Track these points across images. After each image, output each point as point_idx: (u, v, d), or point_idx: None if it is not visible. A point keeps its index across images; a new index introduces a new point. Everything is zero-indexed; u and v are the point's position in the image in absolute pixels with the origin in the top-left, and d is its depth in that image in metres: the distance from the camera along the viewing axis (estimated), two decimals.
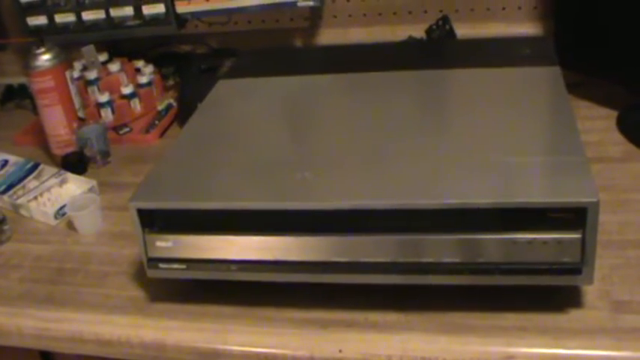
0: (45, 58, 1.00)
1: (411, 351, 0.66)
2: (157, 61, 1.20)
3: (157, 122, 1.12)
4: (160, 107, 1.15)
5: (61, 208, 0.94)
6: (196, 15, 1.08)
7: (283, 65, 0.98)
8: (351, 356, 0.67)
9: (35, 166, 1.03)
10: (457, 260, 0.67)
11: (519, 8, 1.10)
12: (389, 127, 0.78)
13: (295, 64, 0.98)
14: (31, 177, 1.01)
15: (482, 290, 0.69)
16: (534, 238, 0.64)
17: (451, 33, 1.07)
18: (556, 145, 0.71)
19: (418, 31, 1.13)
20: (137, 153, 1.08)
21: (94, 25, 1.13)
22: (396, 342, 0.67)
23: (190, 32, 1.22)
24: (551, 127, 0.74)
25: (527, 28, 1.11)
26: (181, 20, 1.12)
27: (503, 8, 1.10)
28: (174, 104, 1.15)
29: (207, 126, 0.84)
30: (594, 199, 0.61)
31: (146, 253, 0.73)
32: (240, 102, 0.89)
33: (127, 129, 1.10)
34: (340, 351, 0.68)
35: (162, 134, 1.11)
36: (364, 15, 1.17)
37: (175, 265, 0.72)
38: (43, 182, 0.99)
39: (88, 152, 1.04)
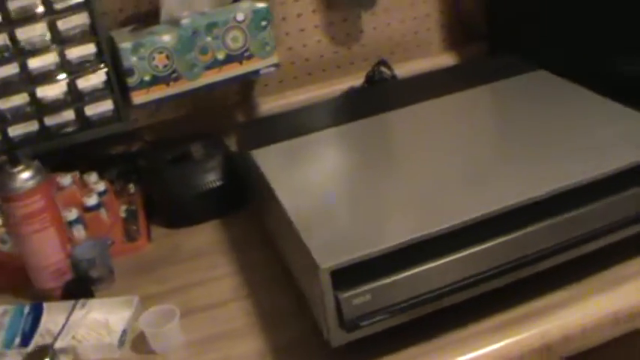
0: (26, 177, 0.87)
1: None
2: (87, 169, 1.10)
3: (134, 227, 1.03)
4: (123, 214, 1.06)
5: (123, 334, 0.82)
6: (157, 102, 1.04)
7: (294, 127, 1.00)
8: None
9: (37, 307, 0.88)
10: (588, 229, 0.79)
11: (430, 44, 1.28)
12: (462, 150, 0.88)
13: (305, 123, 1.01)
14: (42, 320, 0.86)
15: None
16: None
17: (393, 75, 1.20)
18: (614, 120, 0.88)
19: (349, 82, 1.24)
20: (135, 263, 0.99)
21: (25, 139, 1.01)
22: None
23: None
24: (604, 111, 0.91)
25: (445, 59, 1.30)
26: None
27: (418, 45, 1.27)
28: (135, 207, 1.07)
29: (298, 186, 0.85)
30: None
31: (341, 316, 0.71)
32: (295, 161, 0.91)
33: (109, 241, 1.00)
34: None
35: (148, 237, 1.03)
36: (295, 78, 1.24)
37: (378, 317, 0.72)
38: (68, 319, 0.86)
39: (94, 274, 0.92)
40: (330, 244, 0.73)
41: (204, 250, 1.00)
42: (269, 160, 0.92)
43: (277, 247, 0.92)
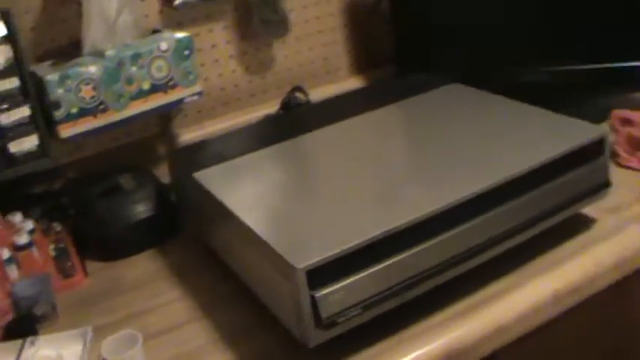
0: None
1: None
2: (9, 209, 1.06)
3: (68, 264, 1.00)
4: (53, 253, 1.03)
5: None
6: (85, 135, 1.03)
7: (224, 151, 1.02)
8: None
9: None
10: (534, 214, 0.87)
11: (338, 70, 1.35)
12: (393, 164, 0.94)
13: (234, 147, 1.03)
14: None
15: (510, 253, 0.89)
16: (578, 173, 0.89)
17: (308, 100, 1.25)
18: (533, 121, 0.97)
19: (264, 110, 1.28)
20: (75, 298, 0.97)
21: None
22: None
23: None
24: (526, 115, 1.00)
25: (354, 83, 1.36)
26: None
27: (327, 72, 1.34)
28: (64, 245, 1.04)
29: (248, 201, 0.87)
30: (605, 130, 0.90)
31: (318, 315, 0.73)
32: (236, 180, 0.93)
33: (49, 277, 0.96)
34: None
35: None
36: (212, 108, 1.26)
37: (354, 312, 0.75)
38: (19, 359, 0.82)
39: (37, 311, 0.89)
40: (297, 247, 0.76)
41: (146, 278, 1.00)
42: (213, 180, 0.94)
43: (228, 265, 0.93)
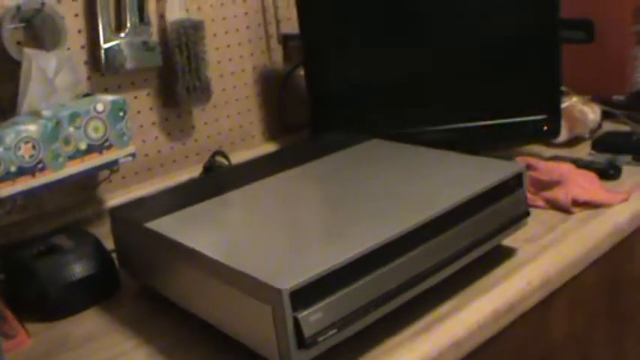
0: None
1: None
2: None
3: (6, 326, 0.96)
4: None
5: None
6: (23, 194, 1.01)
7: (165, 206, 1.05)
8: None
9: None
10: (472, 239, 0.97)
11: (253, 137, 1.41)
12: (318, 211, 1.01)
13: (172, 202, 1.06)
14: None
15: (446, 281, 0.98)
16: (504, 204, 1.01)
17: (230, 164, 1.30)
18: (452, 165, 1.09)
19: (186, 174, 1.32)
20: (21, 358, 0.93)
21: None
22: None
23: None
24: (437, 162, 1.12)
25: (268, 149, 1.43)
26: None
27: (243, 139, 1.40)
28: None
29: (206, 243, 0.90)
30: (522, 165, 1.03)
31: (301, 336, 0.77)
32: (186, 227, 0.96)
33: None
34: None
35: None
36: (136, 173, 1.28)
37: (331, 332, 0.80)
38: None
39: None
40: (273, 274, 0.80)
41: (96, 333, 0.98)
42: (167, 229, 0.96)
43: (186, 309, 0.95)
